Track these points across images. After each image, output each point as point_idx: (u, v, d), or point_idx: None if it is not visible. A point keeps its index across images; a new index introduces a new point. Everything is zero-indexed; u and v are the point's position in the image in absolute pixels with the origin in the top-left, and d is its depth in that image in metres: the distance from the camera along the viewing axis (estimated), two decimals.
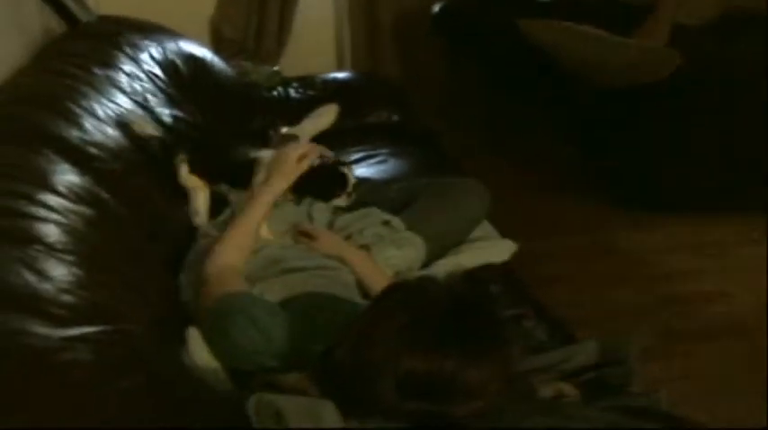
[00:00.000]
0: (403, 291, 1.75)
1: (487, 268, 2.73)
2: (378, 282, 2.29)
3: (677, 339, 3.43)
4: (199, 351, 1.94)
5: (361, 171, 3.46)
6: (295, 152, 2.55)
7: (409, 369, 1.54)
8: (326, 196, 2.72)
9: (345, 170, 2.71)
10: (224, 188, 2.79)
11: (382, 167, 3.51)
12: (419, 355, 1.55)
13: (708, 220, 4.26)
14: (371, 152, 3.63)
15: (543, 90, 4.62)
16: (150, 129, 2.73)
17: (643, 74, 4.14)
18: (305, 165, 2.54)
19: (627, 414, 1.73)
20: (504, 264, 2.83)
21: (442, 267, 2.65)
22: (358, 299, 2.29)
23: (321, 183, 2.66)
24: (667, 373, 3.19)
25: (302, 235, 2.56)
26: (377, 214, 2.72)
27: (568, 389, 1.85)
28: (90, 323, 1.56)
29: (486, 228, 2.90)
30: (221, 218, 2.68)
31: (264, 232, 2.51)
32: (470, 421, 1.56)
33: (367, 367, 1.58)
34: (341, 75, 4.40)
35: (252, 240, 2.38)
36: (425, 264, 2.64)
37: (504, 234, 2.94)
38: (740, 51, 4.53)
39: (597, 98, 4.35)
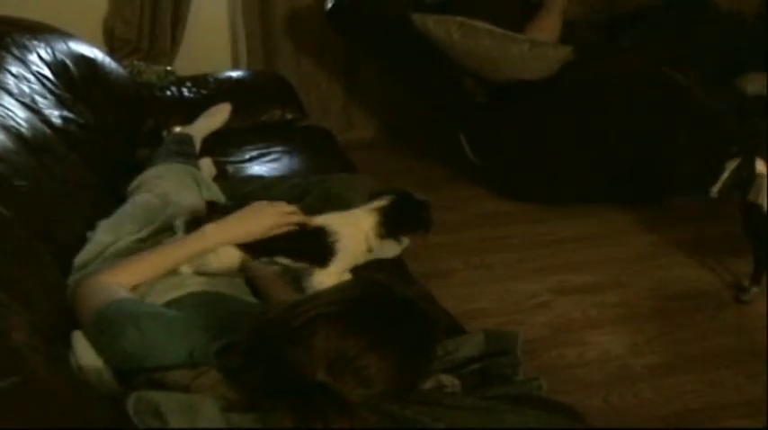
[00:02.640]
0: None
1: (377, 264, 2.75)
2: (276, 286, 2.32)
3: (574, 328, 3.53)
4: (84, 352, 1.94)
5: (256, 169, 3.51)
6: (274, 212, 2.34)
7: (322, 336, 1.61)
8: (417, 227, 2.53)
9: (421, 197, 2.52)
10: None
11: (275, 165, 3.55)
12: (335, 327, 1.62)
13: (600, 212, 4.40)
14: (265, 150, 3.65)
15: (439, 84, 4.67)
16: None
17: (534, 69, 4.22)
18: (277, 231, 2.32)
19: (504, 401, 1.78)
20: (395, 259, 2.86)
21: None
22: (247, 297, 2.31)
23: (305, 245, 2.37)
24: (562, 361, 3.29)
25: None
26: None
27: (448, 379, 1.90)
28: None
29: None
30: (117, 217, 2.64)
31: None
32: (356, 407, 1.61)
33: (285, 328, 1.64)
34: (234, 73, 4.39)
35: (160, 274, 2.25)
36: None
37: None
38: (630, 45, 4.66)
39: (491, 92, 4.43)
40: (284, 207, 2.35)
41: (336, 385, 1.61)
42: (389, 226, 2.39)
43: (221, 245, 2.27)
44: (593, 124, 4.26)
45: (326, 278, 2.29)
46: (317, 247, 2.33)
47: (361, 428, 1.57)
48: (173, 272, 2.29)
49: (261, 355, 1.68)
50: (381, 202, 2.41)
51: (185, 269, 2.30)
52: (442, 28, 4.22)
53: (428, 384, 1.88)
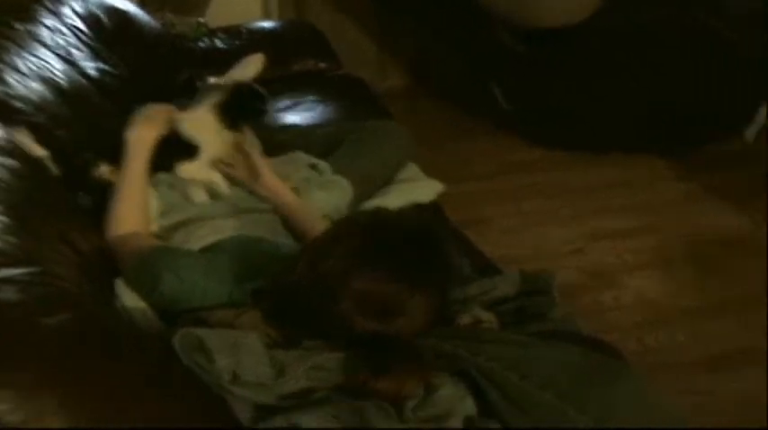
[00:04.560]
0: (363, 216, 1.84)
1: (415, 208, 2.78)
2: (313, 227, 2.34)
3: (609, 273, 3.53)
4: (127, 296, 1.99)
5: (289, 118, 3.51)
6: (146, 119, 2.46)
7: (363, 288, 1.66)
8: (252, 116, 2.65)
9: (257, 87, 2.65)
10: None
11: (309, 114, 3.56)
12: (374, 276, 1.67)
13: (633, 159, 4.38)
14: (299, 100, 3.66)
15: (471, 34, 4.65)
16: (37, 150, 2.33)
17: (566, 11, 4.19)
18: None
19: (541, 337, 1.80)
20: (432, 204, 2.89)
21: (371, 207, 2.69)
22: (281, 238, 2.34)
23: (243, 104, 2.58)
24: (598, 305, 3.32)
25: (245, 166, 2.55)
26: (303, 158, 2.76)
27: (486, 315, 1.92)
28: (16, 266, 1.59)
29: (412, 169, 2.95)
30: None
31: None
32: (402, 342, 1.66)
33: (323, 282, 1.69)
34: (266, 24, 4.39)
35: (144, 190, 2.35)
36: (353, 207, 2.67)
37: (432, 176, 2.99)
38: None
39: (522, 40, 4.41)
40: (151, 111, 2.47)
41: (386, 328, 1.65)
42: (229, 118, 2.54)
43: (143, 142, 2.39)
44: (626, 71, 4.23)
45: (193, 168, 2.51)
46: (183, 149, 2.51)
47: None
48: (208, 217, 2.37)
49: (300, 311, 1.72)
50: (218, 98, 2.54)
51: (201, 197, 2.49)
52: None
53: (465, 319, 1.90)
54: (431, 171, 3.01)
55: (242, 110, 2.58)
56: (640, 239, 3.75)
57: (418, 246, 1.73)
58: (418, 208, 2.79)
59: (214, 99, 2.55)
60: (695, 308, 3.31)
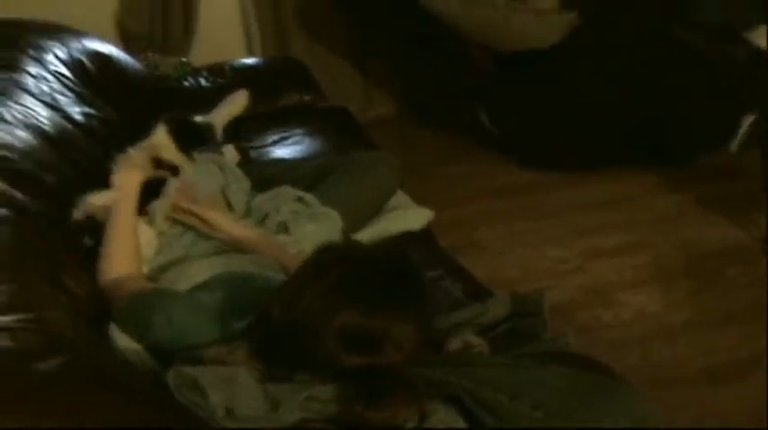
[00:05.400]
0: (333, 251, 1.82)
1: (406, 236, 2.79)
2: (288, 260, 2.35)
3: (607, 290, 3.54)
4: (120, 337, 1.99)
5: (278, 152, 3.53)
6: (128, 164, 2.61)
7: (343, 325, 1.65)
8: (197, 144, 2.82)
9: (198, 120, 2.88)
10: None
11: (297, 147, 3.57)
12: (352, 312, 1.66)
13: (621, 175, 4.40)
14: (286, 133, 3.67)
15: (451, 60, 4.68)
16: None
17: (539, 38, 4.22)
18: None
19: (532, 358, 1.81)
20: (423, 231, 2.90)
21: (362, 238, 2.70)
22: (276, 274, 2.34)
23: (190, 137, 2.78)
24: (597, 322, 3.33)
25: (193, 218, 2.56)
26: (290, 192, 2.77)
27: (476, 340, 1.93)
28: (8, 313, 1.59)
29: (401, 197, 2.97)
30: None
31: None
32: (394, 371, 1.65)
33: (303, 321, 1.68)
34: (250, 60, 4.41)
35: (134, 237, 2.37)
36: (344, 238, 2.67)
37: (422, 202, 3.01)
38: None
39: (503, 63, 4.44)
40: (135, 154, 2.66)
41: (373, 361, 1.65)
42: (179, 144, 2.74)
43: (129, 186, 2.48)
44: (606, 88, 4.25)
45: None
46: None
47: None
48: (196, 256, 2.41)
49: (286, 349, 1.72)
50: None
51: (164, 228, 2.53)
52: (445, 2, 4.22)
53: (455, 344, 1.91)
54: (421, 198, 3.04)
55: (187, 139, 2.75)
56: (635, 255, 3.75)
57: (391, 276, 1.73)
58: (410, 236, 2.81)
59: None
60: (695, 321, 3.31)
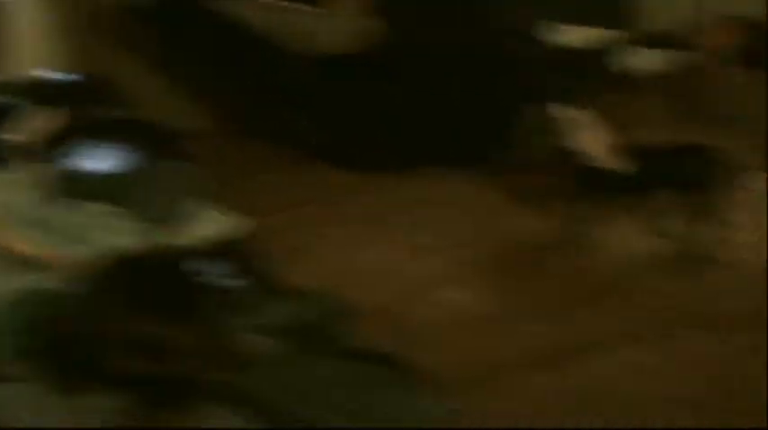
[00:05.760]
0: (119, 263, 1.80)
1: (216, 244, 2.78)
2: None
3: (423, 288, 3.58)
4: None
5: (88, 165, 3.44)
6: None
7: (124, 335, 1.71)
8: None
9: None
10: None
11: (109, 162, 3.49)
12: (130, 323, 1.67)
13: (435, 176, 4.52)
14: (97, 147, 3.58)
15: (267, 69, 4.68)
16: None
17: (331, 41, 4.29)
18: None
19: (320, 356, 1.83)
20: (237, 240, 2.89)
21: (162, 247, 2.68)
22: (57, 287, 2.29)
23: None
24: (412, 320, 3.34)
25: None
26: (95, 206, 2.74)
27: (264, 341, 1.93)
28: None
29: (205, 207, 2.97)
30: None
31: None
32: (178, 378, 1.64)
33: (84, 337, 1.65)
34: (57, 77, 4.30)
35: None
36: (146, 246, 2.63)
37: (240, 211, 3.04)
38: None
39: (319, 70, 4.47)
40: None
41: (157, 367, 1.64)
42: None
43: None
44: (417, 92, 4.40)
45: None
46: None
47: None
48: None
49: (72, 361, 1.70)
50: None
51: None
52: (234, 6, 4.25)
53: (243, 347, 1.91)
54: (239, 206, 3.05)
55: None
56: (452, 252, 3.83)
57: (166, 283, 1.73)
58: (220, 244, 2.79)
59: None
60: (510, 313, 3.39)
